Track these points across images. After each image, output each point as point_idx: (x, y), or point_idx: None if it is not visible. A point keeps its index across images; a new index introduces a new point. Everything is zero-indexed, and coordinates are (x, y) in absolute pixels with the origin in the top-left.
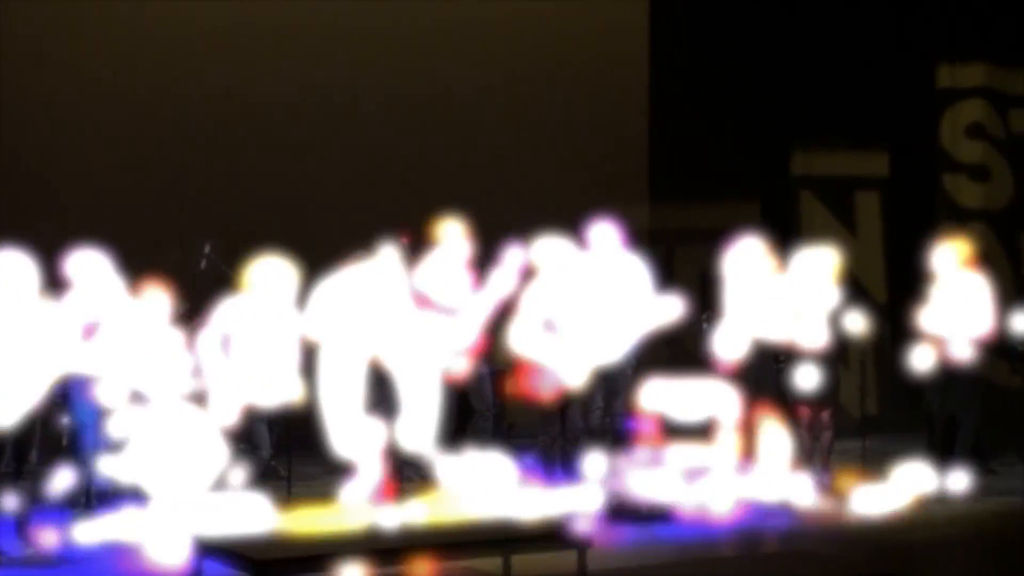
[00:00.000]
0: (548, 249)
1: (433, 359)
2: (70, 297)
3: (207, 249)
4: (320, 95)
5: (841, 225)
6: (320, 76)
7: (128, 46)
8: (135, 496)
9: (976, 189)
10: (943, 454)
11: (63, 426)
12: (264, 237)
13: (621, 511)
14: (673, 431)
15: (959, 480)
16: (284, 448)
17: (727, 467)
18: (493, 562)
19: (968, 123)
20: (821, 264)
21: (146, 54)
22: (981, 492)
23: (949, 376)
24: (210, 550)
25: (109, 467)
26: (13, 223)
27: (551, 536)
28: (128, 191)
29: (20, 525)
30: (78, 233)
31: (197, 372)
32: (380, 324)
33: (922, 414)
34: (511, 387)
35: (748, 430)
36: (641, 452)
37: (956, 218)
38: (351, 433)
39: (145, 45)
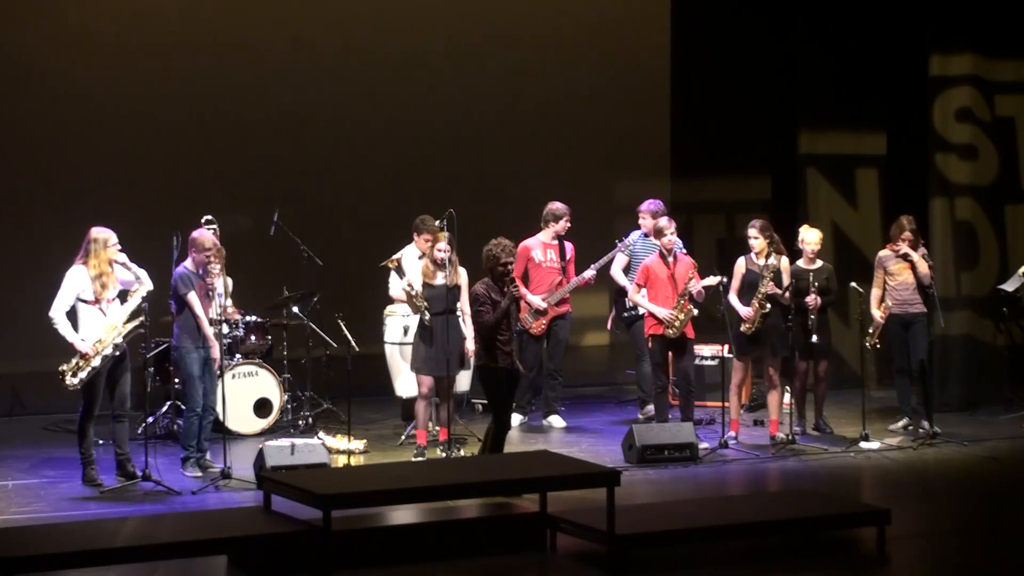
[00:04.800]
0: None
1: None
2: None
3: (276, 216)
4: (366, 82)
5: (843, 199)
6: (364, 63)
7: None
8: (217, 436)
9: (965, 167)
10: (917, 400)
11: (147, 375)
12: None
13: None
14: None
15: (937, 425)
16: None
17: (737, 415)
18: (532, 497)
19: (958, 107)
20: (813, 234)
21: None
22: (969, 437)
23: (908, 333)
24: (278, 485)
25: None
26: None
27: (583, 475)
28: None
29: (119, 461)
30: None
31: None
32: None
33: (894, 368)
34: None
35: (758, 383)
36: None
37: (947, 193)
38: (411, 381)
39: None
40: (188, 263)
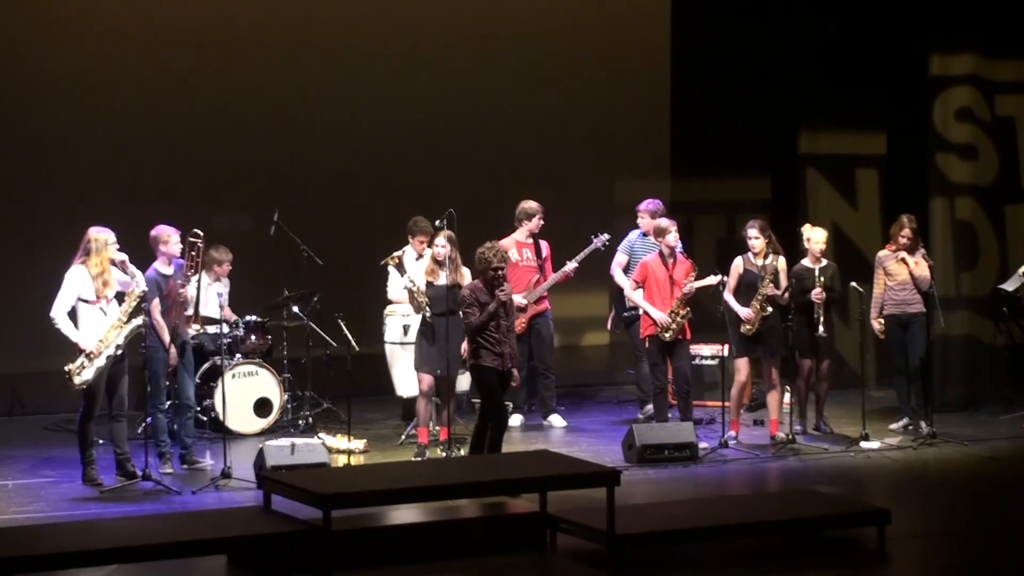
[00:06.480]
0: None
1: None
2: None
3: (276, 216)
4: (374, 80)
5: (843, 199)
6: (364, 62)
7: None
8: (208, 435)
9: (965, 167)
10: (916, 400)
11: (146, 375)
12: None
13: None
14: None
15: (934, 425)
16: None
17: (737, 415)
18: (531, 497)
19: (958, 107)
20: (820, 234)
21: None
22: (969, 437)
23: (907, 333)
24: (278, 485)
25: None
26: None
27: (583, 475)
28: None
29: (119, 461)
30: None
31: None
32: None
33: (894, 368)
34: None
35: (757, 383)
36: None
37: (947, 193)
38: (411, 381)
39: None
40: (157, 263)
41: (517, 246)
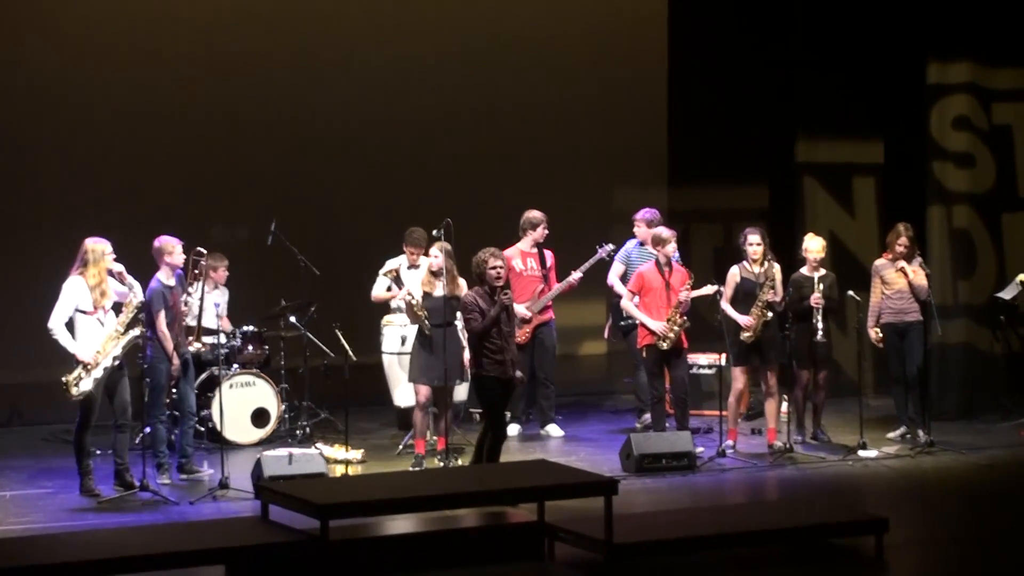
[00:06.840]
0: None
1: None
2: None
3: (272, 226)
4: (372, 84)
5: (840, 207)
6: (360, 73)
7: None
8: (206, 446)
9: (962, 175)
10: (913, 408)
11: (145, 386)
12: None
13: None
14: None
15: (932, 433)
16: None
17: (735, 424)
18: (529, 506)
19: (955, 115)
20: (817, 243)
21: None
22: (966, 446)
23: (904, 341)
24: (275, 495)
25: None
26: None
27: (580, 484)
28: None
29: (117, 471)
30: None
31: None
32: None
33: (891, 376)
34: None
35: (755, 391)
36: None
37: (944, 201)
38: (409, 391)
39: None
40: (160, 274)
41: (521, 255)
